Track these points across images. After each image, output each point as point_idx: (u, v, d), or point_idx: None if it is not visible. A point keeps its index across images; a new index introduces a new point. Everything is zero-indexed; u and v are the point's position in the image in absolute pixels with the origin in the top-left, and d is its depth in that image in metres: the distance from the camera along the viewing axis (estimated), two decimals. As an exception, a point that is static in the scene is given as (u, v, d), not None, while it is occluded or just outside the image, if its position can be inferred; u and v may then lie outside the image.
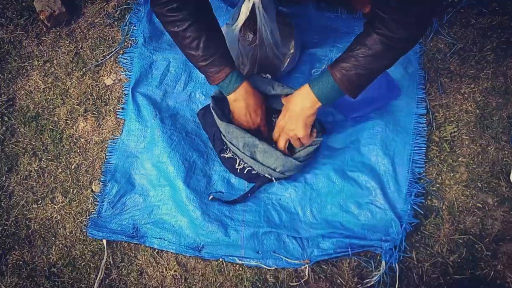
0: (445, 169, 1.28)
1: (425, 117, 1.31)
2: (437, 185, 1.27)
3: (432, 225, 1.23)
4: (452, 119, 1.32)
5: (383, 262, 1.16)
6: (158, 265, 1.21)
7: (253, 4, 1.05)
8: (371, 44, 0.87)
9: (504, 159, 1.28)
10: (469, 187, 1.26)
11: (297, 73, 1.36)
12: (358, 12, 1.40)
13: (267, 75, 1.22)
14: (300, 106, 1.04)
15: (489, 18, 1.41)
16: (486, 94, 1.34)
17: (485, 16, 1.42)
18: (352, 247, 1.17)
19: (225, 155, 1.23)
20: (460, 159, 1.29)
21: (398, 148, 1.27)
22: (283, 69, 1.29)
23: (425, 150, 1.28)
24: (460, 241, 1.22)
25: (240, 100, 1.09)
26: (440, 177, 1.27)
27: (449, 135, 1.30)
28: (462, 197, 1.26)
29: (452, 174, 1.28)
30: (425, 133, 1.29)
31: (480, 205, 1.25)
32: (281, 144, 1.16)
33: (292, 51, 1.27)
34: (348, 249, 1.17)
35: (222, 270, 1.20)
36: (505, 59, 1.38)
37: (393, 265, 1.16)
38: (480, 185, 1.26)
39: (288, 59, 1.27)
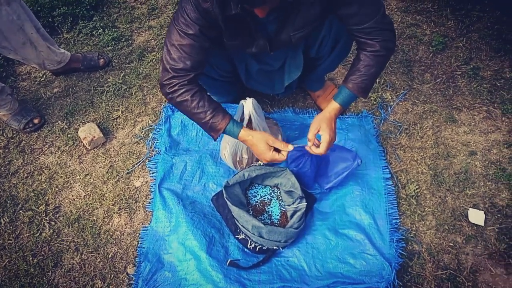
0: (416, 219, 1.57)
1: (391, 180, 1.66)
2: (413, 232, 1.54)
3: (417, 265, 1.47)
4: (412, 180, 1.67)
5: (383, 300, 1.36)
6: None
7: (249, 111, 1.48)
8: (364, 59, 1.29)
9: (461, 206, 1.60)
10: (439, 230, 1.54)
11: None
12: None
13: (259, 162, 1.61)
14: (330, 114, 1.35)
15: (421, 106, 1.90)
16: (434, 158, 1.73)
17: (418, 105, 1.91)
18: (354, 292, 1.37)
19: (238, 236, 1.51)
20: (426, 209, 1.59)
21: (375, 206, 1.58)
22: (275, 156, 1.67)
23: (397, 205, 1.59)
24: (444, 276, 1.44)
25: (249, 136, 1.36)
26: (414, 226, 1.56)
27: (413, 192, 1.63)
28: (436, 239, 1.52)
29: (423, 222, 1.56)
30: (394, 192, 1.62)
31: (451, 244, 1.51)
32: (326, 149, 1.35)
33: (280, 142, 1.67)
34: (351, 294, 1.37)
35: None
36: (441, 132, 1.81)
37: (391, 300, 1.35)
38: (447, 228, 1.54)
39: (278, 149, 1.67)
